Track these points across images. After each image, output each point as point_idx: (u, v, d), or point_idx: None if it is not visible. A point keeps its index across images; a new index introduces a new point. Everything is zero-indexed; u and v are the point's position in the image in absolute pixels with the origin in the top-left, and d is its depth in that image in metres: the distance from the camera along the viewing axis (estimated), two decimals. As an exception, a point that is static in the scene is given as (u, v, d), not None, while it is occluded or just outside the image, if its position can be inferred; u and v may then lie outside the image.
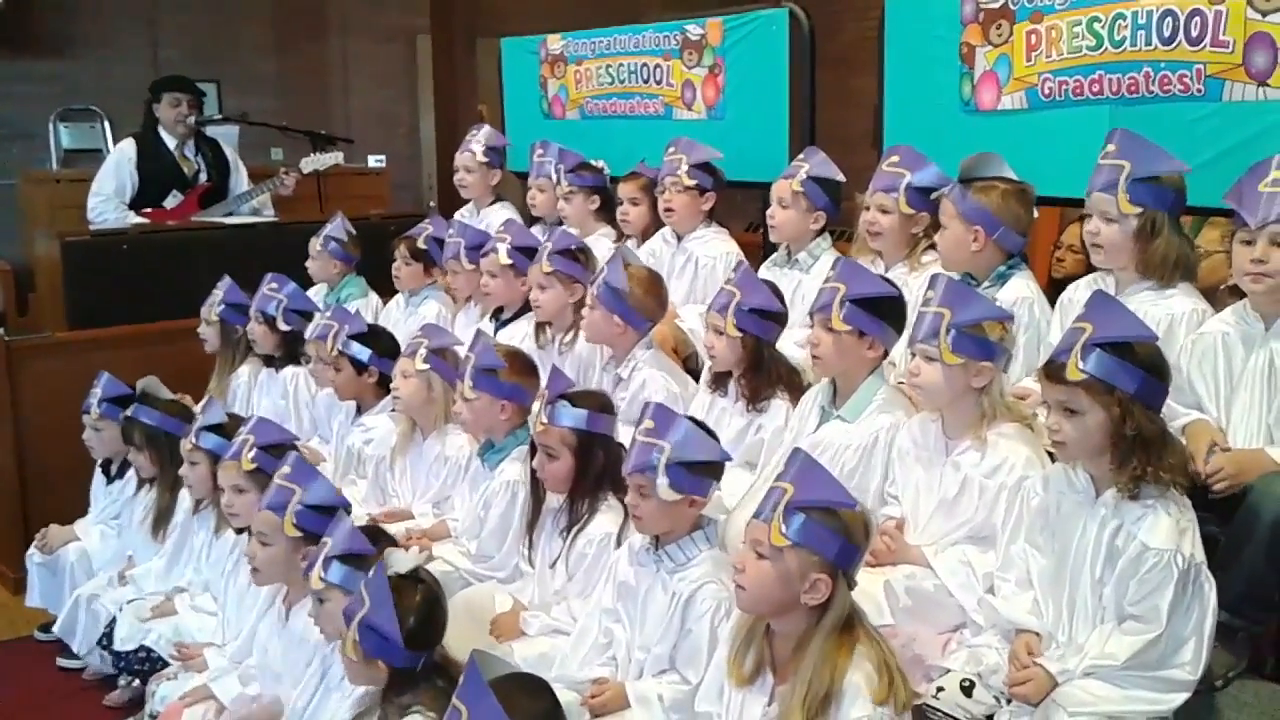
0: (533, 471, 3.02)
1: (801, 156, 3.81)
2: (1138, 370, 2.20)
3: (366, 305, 4.78)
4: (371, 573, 2.49)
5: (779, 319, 3.18)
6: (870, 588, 2.47)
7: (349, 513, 2.98)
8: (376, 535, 2.84)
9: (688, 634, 2.53)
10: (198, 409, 3.79)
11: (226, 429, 3.56)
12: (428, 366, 3.57)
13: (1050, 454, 2.49)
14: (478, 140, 5.05)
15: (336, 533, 2.74)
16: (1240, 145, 2.94)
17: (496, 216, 4.93)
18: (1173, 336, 2.69)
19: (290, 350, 4.44)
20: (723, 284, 3.27)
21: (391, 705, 2.44)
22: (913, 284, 3.25)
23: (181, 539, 3.81)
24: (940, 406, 2.64)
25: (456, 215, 5.10)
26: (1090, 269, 3.10)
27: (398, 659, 2.43)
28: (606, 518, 2.91)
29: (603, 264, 3.69)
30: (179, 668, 3.36)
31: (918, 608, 2.53)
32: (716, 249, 4.09)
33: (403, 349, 3.77)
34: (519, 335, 4.01)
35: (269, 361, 4.51)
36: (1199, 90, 3.07)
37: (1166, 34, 3.12)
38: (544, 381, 3.15)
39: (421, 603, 2.47)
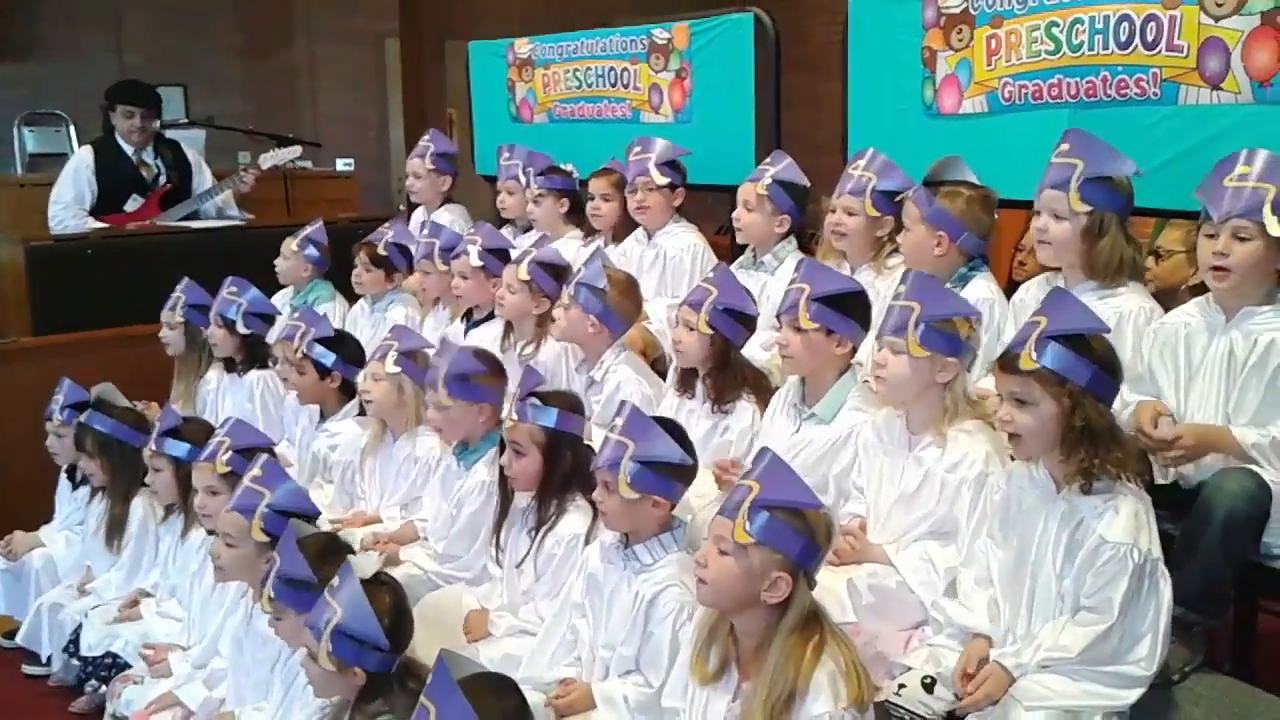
0: (501, 469, 3.02)
1: (768, 160, 3.85)
2: (1091, 364, 2.23)
3: (334, 309, 4.77)
4: (337, 580, 2.48)
5: (749, 324, 3.20)
6: (833, 586, 2.49)
7: (315, 519, 2.97)
8: (335, 544, 2.80)
9: (650, 637, 2.54)
10: (157, 418, 3.76)
11: (184, 433, 3.55)
12: (398, 369, 3.56)
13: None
14: (427, 148, 5.11)
15: (282, 551, 2.68)
16: (1196, 148, 2.99)
17: (443, 219, 4.95)
18: (1120, 334, 2.72)
19: (251, 354, 4.41)
20: (700, 280, 3.28)
21: (362, 714, 2.43)
22: (879, 286, 3.29)
23: (138, 549, 3.79)
24: (904, 400, 2.66)
25: (413, 219, 5.12)
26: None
27: (376, 663, 2.42)
28: (575, 518, 2.92)
29: (580, 264, 3.70)
30: (143, 669, 3.34)
31: (880, 605, 2.55)
32: (684, 241, 4.15)
33: (369, 353, 3.76)
34: (489, 337, 4.01)
35: (230, 366, 4.47)
36: (1155, 94, 3.12)
37: (1123, 38, 3.16)
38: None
39: (392, 604, 2.48)
